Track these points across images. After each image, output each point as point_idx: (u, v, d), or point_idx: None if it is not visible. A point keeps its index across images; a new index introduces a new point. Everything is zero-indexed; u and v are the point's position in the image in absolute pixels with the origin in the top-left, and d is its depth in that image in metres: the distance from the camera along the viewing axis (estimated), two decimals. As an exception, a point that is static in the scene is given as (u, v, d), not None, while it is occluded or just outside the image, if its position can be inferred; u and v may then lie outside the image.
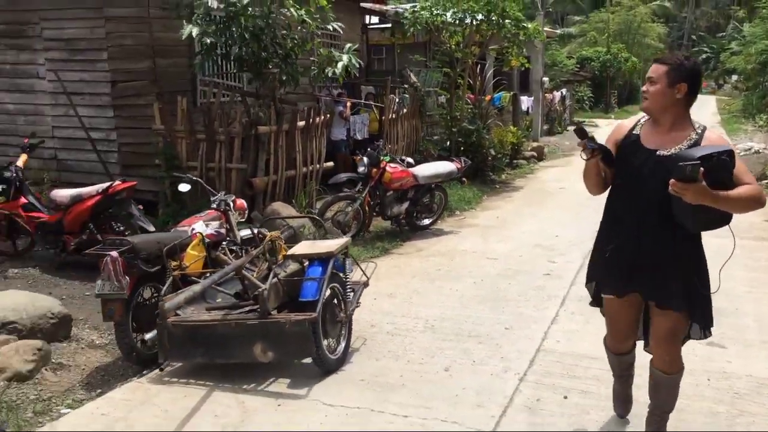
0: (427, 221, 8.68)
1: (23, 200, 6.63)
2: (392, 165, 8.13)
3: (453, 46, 12.65)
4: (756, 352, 4.62)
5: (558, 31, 29.77)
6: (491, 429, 3.56)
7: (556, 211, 10.01)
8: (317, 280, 4.19)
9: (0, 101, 8.69)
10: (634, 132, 3.13)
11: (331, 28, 8.10)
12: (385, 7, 14.36)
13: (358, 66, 8.09)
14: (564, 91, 26.00)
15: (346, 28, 9.46)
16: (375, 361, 4.51)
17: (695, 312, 3.04)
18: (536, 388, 4.07)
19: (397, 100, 11.70)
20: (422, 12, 11.99)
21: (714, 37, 58.82)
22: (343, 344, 4.44)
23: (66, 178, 8.31)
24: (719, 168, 2.75)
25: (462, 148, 12.10)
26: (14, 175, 6.61)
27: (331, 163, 9.44)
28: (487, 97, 14.91)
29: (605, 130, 24.22)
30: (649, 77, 3.01)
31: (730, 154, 2.80)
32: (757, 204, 2.86)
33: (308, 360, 4.42)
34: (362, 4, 13.60)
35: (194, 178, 5.85)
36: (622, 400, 3.58)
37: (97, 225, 6.37)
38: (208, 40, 7.26)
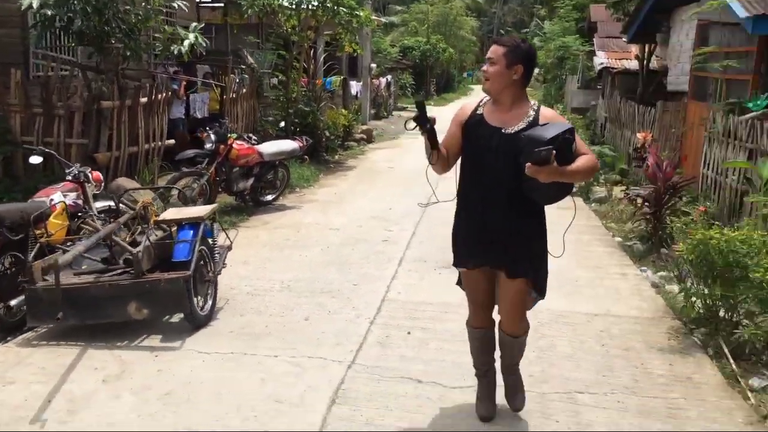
0: (270, 197, 9.12)
1: None
2: (239, 142, 8.47)
3: (288, 30, 13.06)
4: (554, 293, 5.71)
5: (382, 20, 31.04)
6: (351, 360, 4.20)
7: (387, 187, 10.88)
8: (189, 242, 4.56)
9: None
10: (477, 112, 3.24)
11: (176, 6, 8.20)
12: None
13: (204, 45, 8.27)
14: (389, 77, 27.31)
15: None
16: (240, 316, 4.96)
17: (538, 280, 3.29)
18: (384, 328, 4.77)
19: (236, 80, 11.90)
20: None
21: (519, 32, 64.12)
22: (210, 302, 4.83)
23: None
24: (565, 146, 2.93)
25: (298, 129, 12.59)
26: None
27: (172, 141, 9.51)
28: (319, 81, 15.52)
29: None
30: (488, 58, 3.12)
31: (571, 131, 2.98)
32: (594, 171, 3.13)
33: (177, 318, 4.80)
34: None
35: (48, 150, 5.82)
36: (487, 400, 3.55)
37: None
38: (49, 12, 7.09)
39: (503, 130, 3.13)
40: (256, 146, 8.73)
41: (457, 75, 49.41)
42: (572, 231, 4.29)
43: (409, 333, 4.67)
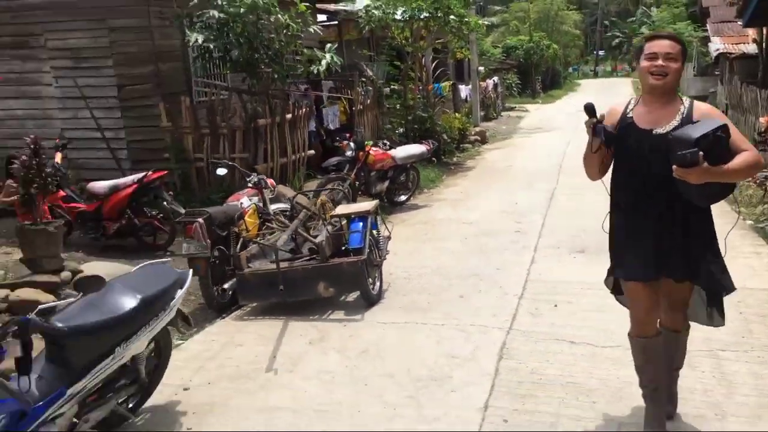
0: (403, 197, 9.94)
1: (62, 193, 7.46)
2: (374, 148, 9.35)
3: (402, 41, 13.91)
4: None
5: (486, 22, 31.43)
6: (508, 327, 4.87)
7: (509, 184, 11.43)
8: (360, 232, 5.40)
9: (9, 108, 9.35)
10: (627, 115, 3.13)
11: (312, 31, 9.20)
12: (336, 6, 15.41)
13: (338, 63, 9.22)
14: (495, 79, 27.71)
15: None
16: (403, 296, 5.75)
17: (717, 281, 3.12)
18: (532, 302, 5.40)
19: (362, 92, 12.87)
20: (375, 11, 13.19)
21: (625, 21, 62.29)
22: (378, 283, 5.65)
23: (76, 176, 9.09)
24: (716, 146, 2.77)
25: (417, 135, 13.39)
26: (53, 170, 7.43)
27: (312, 151, 10.54)
28: (429, 87, 16.29)
29: (535, 115, 26.20)
30: (667, 53, 2.98)
31: (724, 128, 2.82)
32: (756, 169, 2.94)
33: (351, 298, 5.65)
34: (318, 5, 14.67)
35: (231, 163, 6.89)
36: (655, 422, 3.26)
37: (133, 211, 7.30)
38: (211, 45, 8.24)
39: (654, 131, 3.02)
40: (389, 151, 9.58)
41: (562, 71, 48.77)
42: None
43: (555, 306, 5.28)
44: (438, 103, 15.53)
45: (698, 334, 4.57)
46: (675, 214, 3.04)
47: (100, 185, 7.38)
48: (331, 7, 14.61)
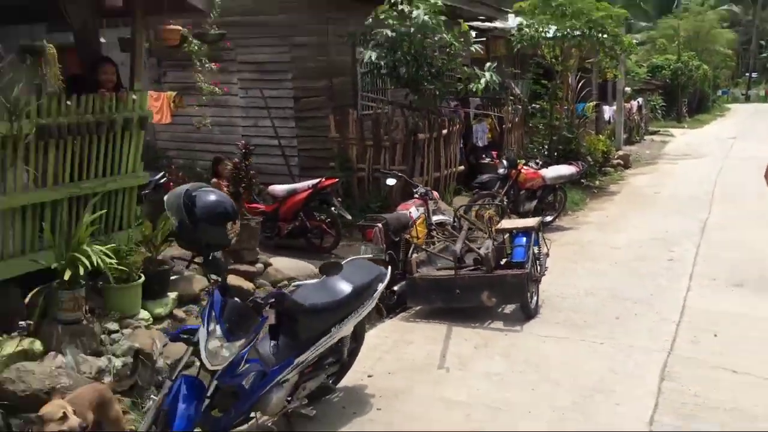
0: (549, 218, 10.13)
1: (245, 193, 8.37)
2: (526, 167, 9.66)
3: (552, 60, 14.05)
4: None
5: (634, 40, 30.54)
6: (668, 350, 5.06)
7: (657, 210, 11.28)
8: (524, 246, 5.77)
9: (201, 114, 10.53)
10: None
11: (473, 50, 9.67)
12: (487, 24, 15.80)
13: (497, 81, 9.62)
14: (640, 100, 26.95)
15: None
16: (558, 312, 6.04)
17: None
18: (691, 329, 5.53)
19: (511, 110, 13.20)
20: (527, 29, 13.45)
21: (783, 41, 58.15)
22: (536, 298, 5.99)
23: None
24: None
25: (560, 155, 13.47)
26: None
27: (462, 167, 11.01)
28: (572, 107, 16.27)
29: (681, 140, 25.18)
30: None
31: None
32: None
33: (508, 310, 6.01)
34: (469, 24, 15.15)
35: (400, 174, 7.49)
36: None
37: (305, 214, 8.06)
38: (381, 62, 8.92)
39: None
40: (540, 171, 9.84)
41: (711, 93, 46.30)
42: None
43: (715, 335, 5.38)
44: (582, 124, 15.51)
45: None
46: None
47: (280, 188, 8.19)
48: (483, 24, 15.02)
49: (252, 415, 3.66)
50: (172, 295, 5.33)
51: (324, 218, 8.12)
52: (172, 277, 5.47)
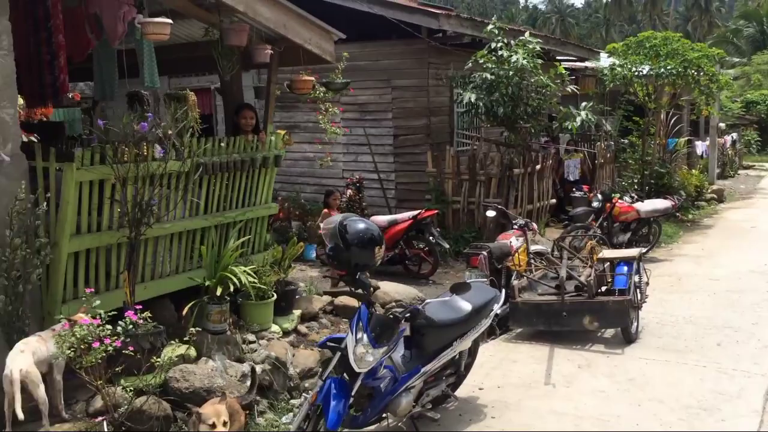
0: (643, 250, 10.22)
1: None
2: (620, 201, 9.86)
3: (645, 98, 14.17)
4: None
5: (728, 76, 29.94)
6: (772, 375, 5.20)
7: (755, 245, 11.14)
8: (626, 275, 6.03)
9: (303, 150, 11.35)
10: None
11: (569, 91, 10.04)
12: (578, 64, 16.11)
13: (593, 120, 9.93)
14: (734, 135, 26.32)
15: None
16: (658, 338, 6.24)
17: None
18: (797, 357, 5.62)
19: (603, 146, 13.40)
20: (619, 68, 13.66)
21: None
22: (636, 323, 6.21)
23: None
24: None
25: (653, 189, 13.49)
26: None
27: (554, 200, 11.28)
28: (663, 141, 16.21)
29: (777, 175, 24.28)
30: None
31: None
32: None
33: (608, 335, 6.25)
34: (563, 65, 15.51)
35: (500, 207, 7.91)
36: None
37: (405, 242, 8.58)
38: (480, 103, 9.42)
39: None
40: (634, 204, 10.00)
41: (808, 129, 44.30)
42: None
43: (820, 364, 5.45)
44: (674, 159, 15.45)
45: None
46: None
47: (382, 219, 8.75)
48: (574, 64, 15.33)
49: (384, 415, 4.12)
50: (297, 312, 5.91)
51: (422, 246, 8.62)
52: (296, 297, 6.07)
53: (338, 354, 3.78)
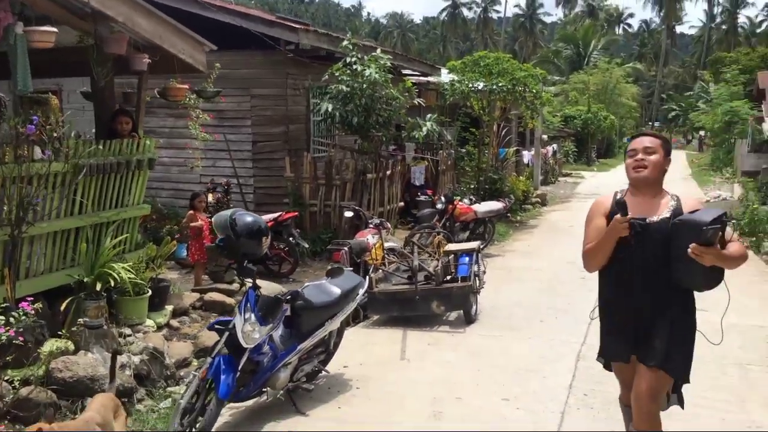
0: (482, 244, 11.46)
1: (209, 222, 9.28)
2: (461, 203, 10.99)
3: (480, 111, 15.69)
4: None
5: (549, 93, 33.28)
6: (582, 341, 6.33)
7: (572, 240, 12.68)
8: (467, 264, 6.97)
9: (159, 156, 11.35)
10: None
11: (416, 103, 11.03)
12: (421, 78, 17.36)
13: (437, 131, 10.98)
14: (554, 146, 29.33)
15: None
16: (493, 319, 7.25)
17: (679, 372, 3.31)
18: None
19: (445, 154, 14.65)
20: (458, 84, 15.03)
21: (681, 95, 63.32)
22: (476, 306, 7.18)
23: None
24: (722, 230, 3.01)
25: (487, 194, 14.97)
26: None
27: (402, 203, 12.25)
28: (494, 151, 17.98)
29: (591, 181, 27.52)
30: (646, 147, 3.29)
31: (725, 216, 3.04)
32: (745, 259, 3.16)
33: (452, 317, 7.17)
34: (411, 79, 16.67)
35: (357, 208, 8.61)
36: None
37: (267, 243, 9.03)
38: (337, 113, 10.11)
39: (647, 219, 3.23)
40: (472, 206, 11.20)
41: (617, 141, 50.09)
42: (749, 279, 6.16)
43: (618, 330, 6.69)
44: (504, 167, 17.18)
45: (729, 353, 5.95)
46: (659, 299, 3.28)
47: (245, 221, 9.15)
48: (418, 78, 16.54)
49: (263, 390, 4.62)
50: (169, 308, 6.22)
51: (283, 247, 9.12)
52: (168, 294, 6.36)
53: (226, 333, 4.24)
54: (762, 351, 6.16)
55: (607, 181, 26.80)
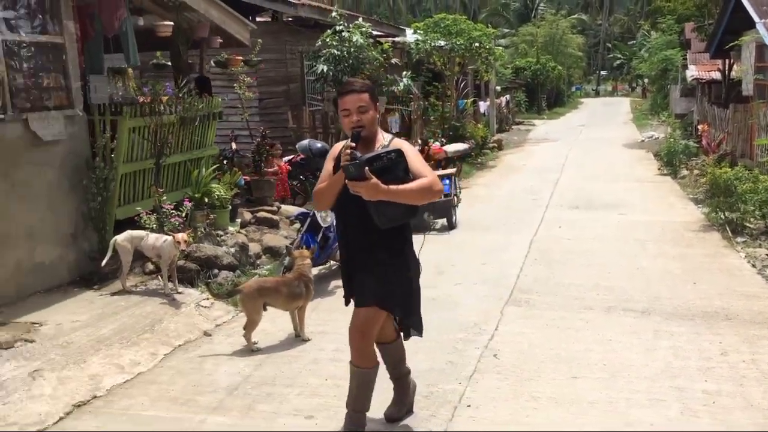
0: (458, 168, 13.92)
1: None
2: (434, 144, 13.40)
3: (441, 67, 18.00)
4: (645, 215, 10.14)
5: (500, 47, 35.42)
6: (534, 234, 8.89)
7: (525, 175, 15.44)
8: (448, 184, 9.42)
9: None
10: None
11: (393, 62, 13.27)
12: (390, 39, 19.48)
13: (412, 85, 13.26)
14: (507, 96, 31.86)
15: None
16: (468, 225, 9.74)
17: (393, 306, 3.50)
18: (546, 226, 9.41)
19: (416, 106, 16.97)
20: (422, 43, 17.27)
21: (626, 44, 66.17)
22: (455, 217, 9.65)
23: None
24: (390, 165, 3.11)
25: (452, 139, 17.37)
26: (231, 154, 11.43)
27: (383, 148, 14.56)
28: (454, 103, 20.38)
29: (541, 128, 30.28)
30: (359, 107, 3.29)
31: (398, 153, 3.16)
32: (429, 193, 3.25)
33: (439, 225, 9.65)
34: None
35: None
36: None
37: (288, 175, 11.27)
38: (330, 73, 12.30)
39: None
40: (443, 147, 13.61)
41: (566, 90, 52.91)
42: (660, 194, 8.89)
43: (560, 227, 9.30)
44: (465, 116, 19.62)
45: (634, 238, 8.63)
46: (367, 240, 3.41)
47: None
48: (387, 39, 18.69)
49: (330, 263, 7.00)
50: (238, 221, 8.51)
51: (296, 184, 11.39)
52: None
53: (309, 219, 6.58)
54: (656, 233, 8.80)
55: (557, 128, 29.60)
